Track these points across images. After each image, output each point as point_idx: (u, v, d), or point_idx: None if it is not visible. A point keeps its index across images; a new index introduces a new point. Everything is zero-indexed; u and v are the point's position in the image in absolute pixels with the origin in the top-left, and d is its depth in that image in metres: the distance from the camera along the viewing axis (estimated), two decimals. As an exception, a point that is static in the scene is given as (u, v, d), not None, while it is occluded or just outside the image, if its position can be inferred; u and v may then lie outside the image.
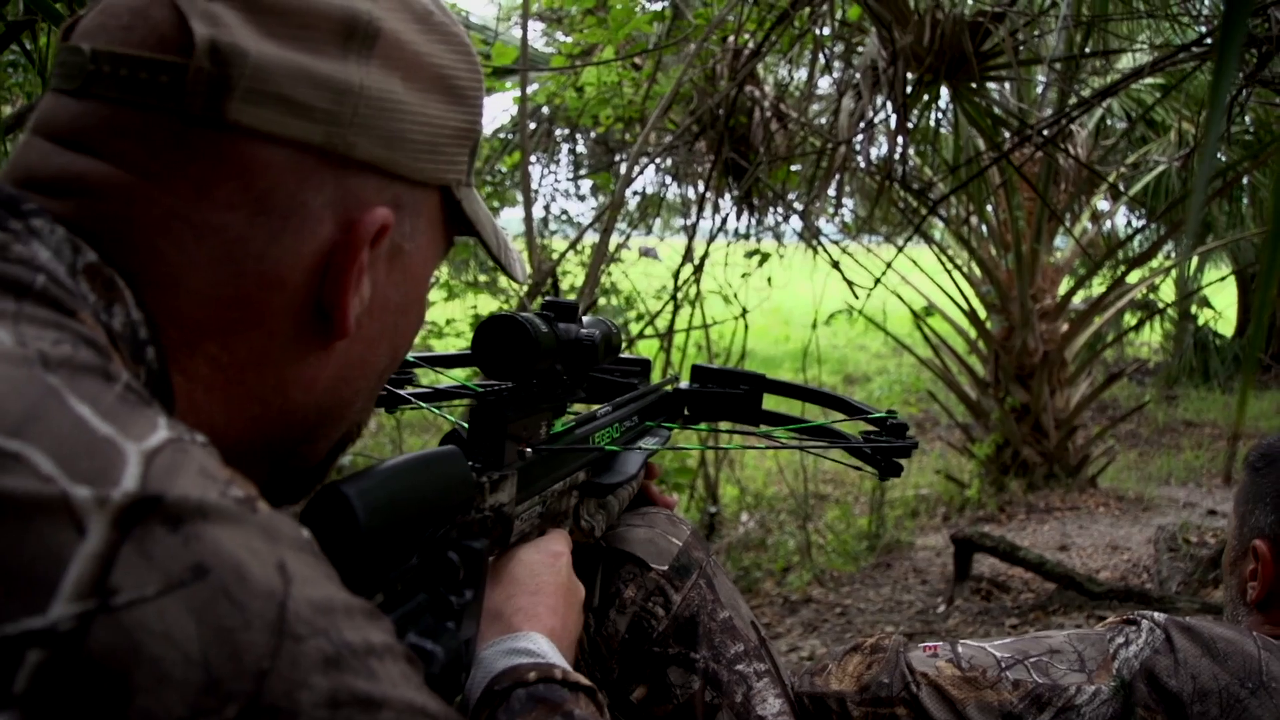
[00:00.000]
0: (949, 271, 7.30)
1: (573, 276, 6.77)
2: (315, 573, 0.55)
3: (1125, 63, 5.98)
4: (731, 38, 4.63)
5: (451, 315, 6.36)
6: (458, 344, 5.91)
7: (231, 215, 0.68)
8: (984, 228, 7.51)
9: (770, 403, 1.43)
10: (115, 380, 0.55)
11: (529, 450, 1.00)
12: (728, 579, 1.27)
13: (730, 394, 1.42)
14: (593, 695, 0.88)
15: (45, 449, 0.48)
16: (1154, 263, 7.81)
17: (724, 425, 1.47)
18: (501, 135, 6.39)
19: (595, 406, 1.25)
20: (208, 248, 0.67)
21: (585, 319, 1.12)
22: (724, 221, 5.84)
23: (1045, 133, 4.37)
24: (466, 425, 0.98)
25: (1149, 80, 5.92)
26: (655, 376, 1.44)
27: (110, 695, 0.45)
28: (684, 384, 1.44)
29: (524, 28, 4.05)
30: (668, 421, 1.41)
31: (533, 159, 6.67)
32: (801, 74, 6.36)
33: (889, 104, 4.37)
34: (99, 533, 0.47)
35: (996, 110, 5.23)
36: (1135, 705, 1.10)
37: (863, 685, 1.20)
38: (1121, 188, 7.40)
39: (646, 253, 7.81)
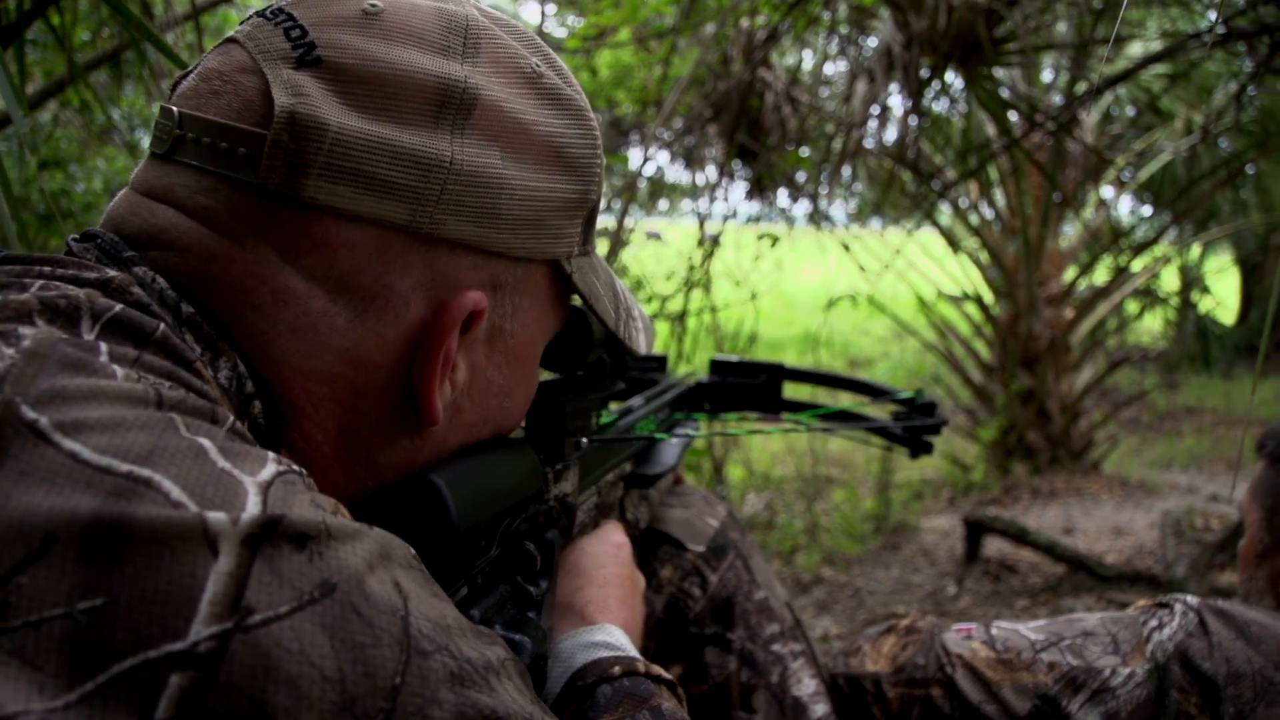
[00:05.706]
0: (955, 257, 7.30)
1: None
2: (426, 591, 0.54)
3: (1135, 50, 5.97)
4: (746, 21, 4.62)
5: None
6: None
7: (314, 288, 0.64)
8: (991, 213, 7.51)
9: (788, 390, 1.44)
10: (222, 424, 0.54)
11: (584, 440, 0.99)
12: (763, 559, 1.28)
13: (750, 385, 1.42)
14: (674, 688, 0.86)
15: (173, 477, 0.48)
16: (1157, 250, 7.80)
17: (751, 415, 1.48)
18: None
19: (624, 403, 1.25)
20: (290, 316, 0.64)
21: None
22: (735, 207, 5.84)
23: (1056, 119, 4.36)
24: None
25: (1156, 69, 5.90)
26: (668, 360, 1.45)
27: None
28: (703, 377, 1.45)
29: (542, 11, 4.03)
30: (689, 413, 1.42)
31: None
32: (813, 58, 6.35)
33: (903, 89, 4.37)
34: (230, 552, 0.46)
35: (1006, 95, 5.23)
36: (1169, 688, 1.10)
37: (898, 666, 1.20)
38: (1127, 175, 7.39)
39: (652, 235, 7.81)
